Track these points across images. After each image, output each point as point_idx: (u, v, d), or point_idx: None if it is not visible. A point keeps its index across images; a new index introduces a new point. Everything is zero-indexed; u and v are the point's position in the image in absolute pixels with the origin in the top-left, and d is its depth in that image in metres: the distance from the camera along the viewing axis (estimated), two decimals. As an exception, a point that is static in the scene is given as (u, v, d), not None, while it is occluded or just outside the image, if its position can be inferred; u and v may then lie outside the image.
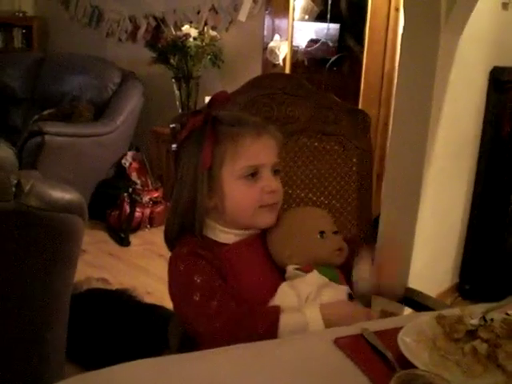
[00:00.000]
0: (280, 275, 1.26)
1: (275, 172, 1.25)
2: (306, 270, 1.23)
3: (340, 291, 1.23)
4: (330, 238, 1.28)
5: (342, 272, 1.28)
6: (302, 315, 1.13)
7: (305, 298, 1.19)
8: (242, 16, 4.06)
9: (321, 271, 1.23)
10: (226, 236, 1.25)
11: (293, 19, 4.12)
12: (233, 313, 1.12)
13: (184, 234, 1.24)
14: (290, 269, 1.25)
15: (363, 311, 1.19)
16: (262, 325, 1.10)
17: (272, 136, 1.25)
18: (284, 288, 1.22)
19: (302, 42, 4.65)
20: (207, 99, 1.33)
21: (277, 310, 1.14)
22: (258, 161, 1.22)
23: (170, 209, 1.27)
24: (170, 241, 1.29)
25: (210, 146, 1.19)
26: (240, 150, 1.20)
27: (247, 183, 1.21)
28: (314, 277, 1.22)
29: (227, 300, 1.14)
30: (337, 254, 1.27)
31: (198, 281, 1.14)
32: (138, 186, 4.08)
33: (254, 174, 1.21)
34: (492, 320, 0.98)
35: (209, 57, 3.97)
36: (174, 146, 1.40)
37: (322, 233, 1.28)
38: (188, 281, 1.15)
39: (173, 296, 1.22)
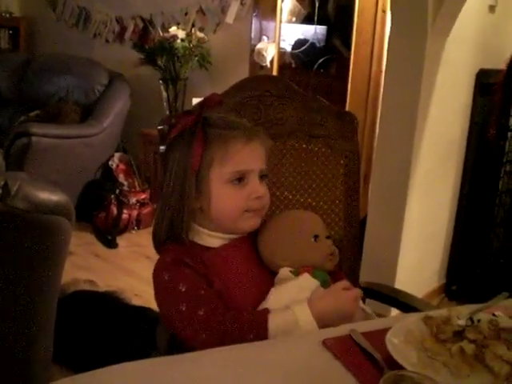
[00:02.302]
0: (269, 278, 1.24)
1: (262, 177, 1.24)
2: (301, 272, 1.22)
3: None
4: (324, 242, 1.28)
5: (332, 278, 1.27)
6: (290, 313, 1.11)
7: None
8: (230, 18, 4.07)
9: (315, 273, 1.22)
10: (211, 240, 1.24)
11: (280, 21, 4.13)
12: (219, 322, 1.09)
13: (169, 241, 1.22)
14: (284, 271, 1.24)
15: (350, 296, 1.16)
16: (250, 331, 1.09)
17: (262, 142, 1.24)
18: (275, 292, 1.20)
19: (289, 44, 4.65)
20: (195, 101, 1.32)
21: (264, 313, 1.12)
22: (247, 166, 1.20)
23: (159, 211, 1.24)
24: (159, 244, 1.26)
25: (199, 147, 1.17)
26: (229, 154, 1.18)
27: (234, 188, 1.19)
28: (307, 280, 1.21)
29: (214, 308, 1.12)
30: (329, 259, 1.27)
31: (183, 289, 1.13)
32: (125, 188, 4.06)
33: (240, 179, 1.20)
34: (479, 321, 0.98)
35: (196, 58, 3.97)
36: (161, 147, 1.39)
37: (316, 237, 1.28)
38: (173, 290, 1.14)
39: (159, 304, 1.20)
